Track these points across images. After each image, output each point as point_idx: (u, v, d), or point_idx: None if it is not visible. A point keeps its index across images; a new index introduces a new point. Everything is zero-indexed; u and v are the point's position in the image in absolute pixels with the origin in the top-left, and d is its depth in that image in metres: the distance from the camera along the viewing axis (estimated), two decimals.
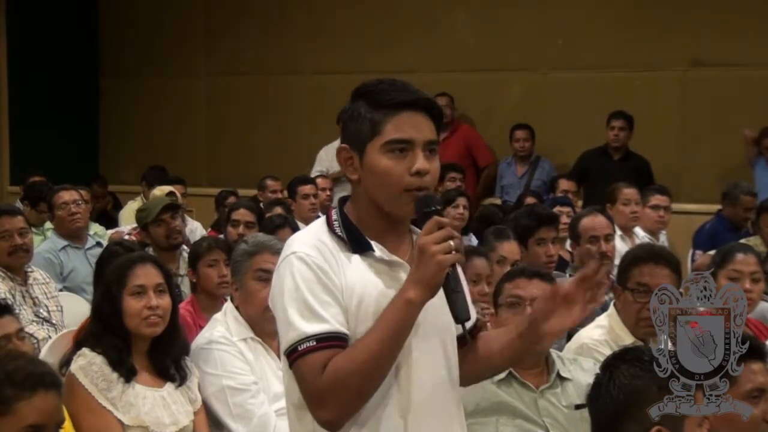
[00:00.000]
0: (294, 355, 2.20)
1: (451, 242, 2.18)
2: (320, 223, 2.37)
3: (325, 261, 2.25)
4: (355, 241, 2.30)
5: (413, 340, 2.27)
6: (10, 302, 4.25)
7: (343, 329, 2.22)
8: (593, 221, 5.38)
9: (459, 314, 2.22)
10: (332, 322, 2.20)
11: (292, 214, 6.74)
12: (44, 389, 2.37)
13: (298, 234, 2.39)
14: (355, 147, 2.30)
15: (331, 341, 2.19)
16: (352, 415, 2.22)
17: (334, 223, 2.33)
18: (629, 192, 6.68)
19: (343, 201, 2.39)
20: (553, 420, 3.25)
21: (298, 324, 2.20)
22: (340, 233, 2.31)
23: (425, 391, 2.30)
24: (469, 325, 2.29)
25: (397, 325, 2.19)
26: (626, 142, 8.48)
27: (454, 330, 2.38)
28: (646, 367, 2.31)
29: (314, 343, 2.18)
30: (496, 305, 3.49)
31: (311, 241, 2.28)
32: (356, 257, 2.29)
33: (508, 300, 3.41)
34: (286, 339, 2.23)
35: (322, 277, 2.23)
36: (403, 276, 2.27)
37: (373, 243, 2.30)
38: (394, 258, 2.30)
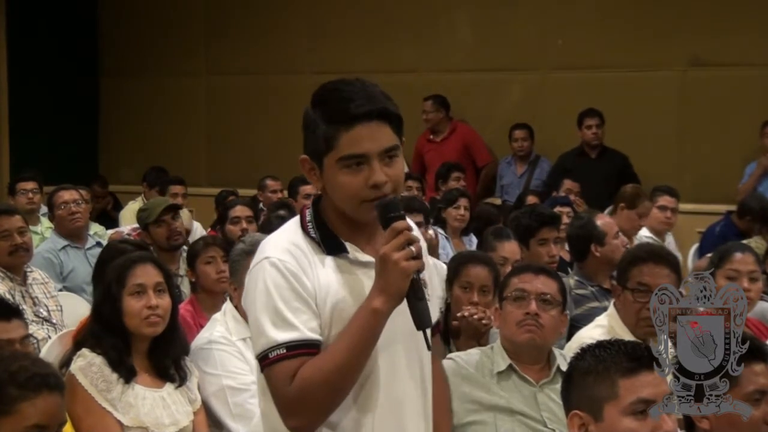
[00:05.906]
0: (264, 362, 2.21)
1: (412, 248, 2.16)
2: (294, 224, 2.34)
3: (298, 265, 2.23)
4: (328, 243, 2.28)
5: (385, 348, 2.25)
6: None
7: (315, 336, 2.20)
8: (609, 220, 5.41)
9: (420, 322, 2.19)
10: (302, 329, 2.19)
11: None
12: (48, 390, 2.37)
13: (271, 236, 2.35)
14: (314, 159, 2.28)
15: (301, 349, 2.18)
16: (321, 422, 2.22)
17: (308, 224, 2.31)
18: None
19: (317, 200, 2.36)
20: (552, 415, 3.25)
21: (269, 331, 2.19)
22: (313, 235, 2.29)
23: (394, 398, 2.29)
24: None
25: (364, 335, 2.18)
26: (602, 139, 8.50)
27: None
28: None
29: (284, 351, 2.18)
30: (501, 299, 3.50)
31: (284, 245, 2.27)
32: (329, 259, 2.27)
33: (514, 293, 3.42)
34: (257, 346, 2.23)
35: (294, 283, 2.21)
36: None
37: (346, 244, 2.29)
38: (367, 258, 2.28)
